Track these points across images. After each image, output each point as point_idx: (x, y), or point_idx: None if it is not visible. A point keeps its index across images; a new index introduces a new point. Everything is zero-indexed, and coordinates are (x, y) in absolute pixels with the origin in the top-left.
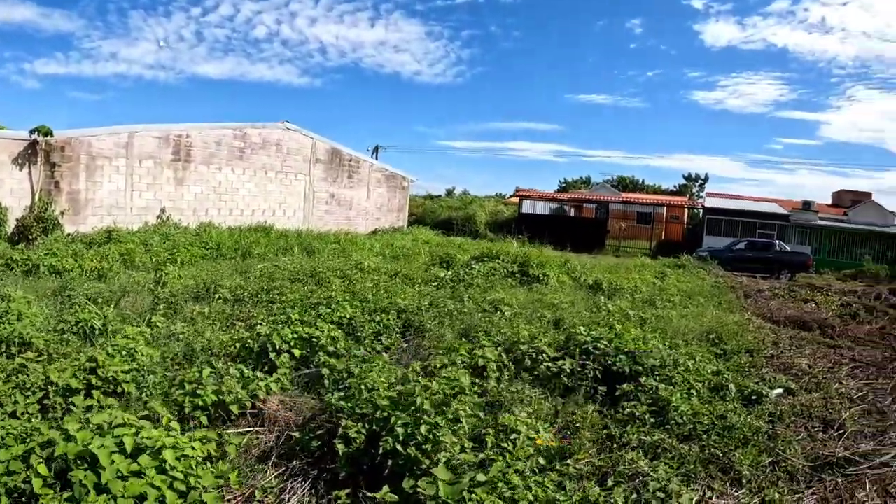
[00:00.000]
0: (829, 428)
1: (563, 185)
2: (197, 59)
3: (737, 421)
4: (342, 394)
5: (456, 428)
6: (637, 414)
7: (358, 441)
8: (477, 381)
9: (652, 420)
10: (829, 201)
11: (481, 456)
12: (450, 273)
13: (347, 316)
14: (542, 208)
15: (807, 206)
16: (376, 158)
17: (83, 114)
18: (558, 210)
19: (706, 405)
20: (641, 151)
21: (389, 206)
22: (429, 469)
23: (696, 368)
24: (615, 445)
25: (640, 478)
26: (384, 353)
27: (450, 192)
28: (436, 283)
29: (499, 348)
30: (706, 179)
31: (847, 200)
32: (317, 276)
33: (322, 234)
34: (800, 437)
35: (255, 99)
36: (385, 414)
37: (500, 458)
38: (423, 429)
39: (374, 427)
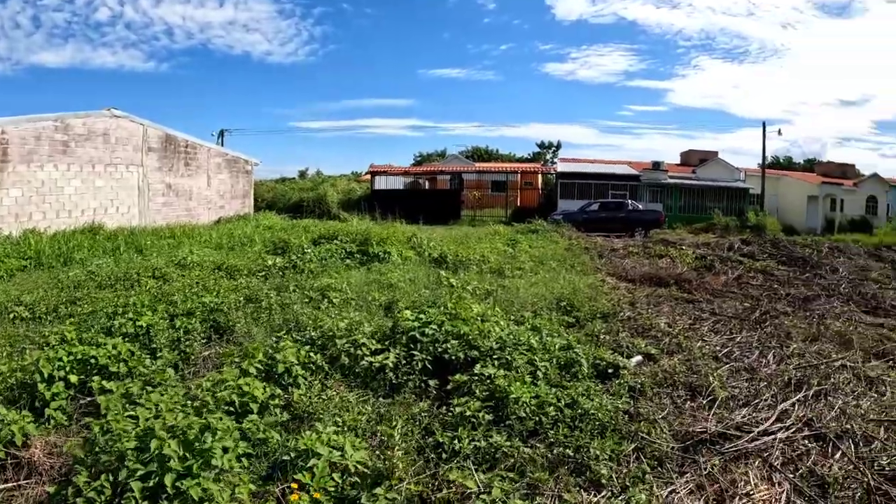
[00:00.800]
0: (696, 395)
1: (419, 158)
2: (34, 48)
3: (590, 405)
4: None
5: (222, 466)
6: (469, 413)
7: (103, 497)
8: (278, 392)
9: (488, 417)
10: (678, 161)
11: None
12: (281, 260)
13: (145, 324)
14: (396, 183)
15: (656, 166)
16: (222, 143)
17: None
18: (413, 184)
19: (554, 390)
20: (496, 122)
21: (233, 193)
22: None
23: (542, 345)
24: (444, 455)
25: (471, 500)
26: (171, 369)
27: (303, 174)
28: (264, 273)
29: (307, 347)
30: (559, 146)
31: (695, 159)
32: (130, 279)
33: (158, 229)
34: (665, 413)
35: (97, 87)
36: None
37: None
38: (167, 480)
39: (121, 478)
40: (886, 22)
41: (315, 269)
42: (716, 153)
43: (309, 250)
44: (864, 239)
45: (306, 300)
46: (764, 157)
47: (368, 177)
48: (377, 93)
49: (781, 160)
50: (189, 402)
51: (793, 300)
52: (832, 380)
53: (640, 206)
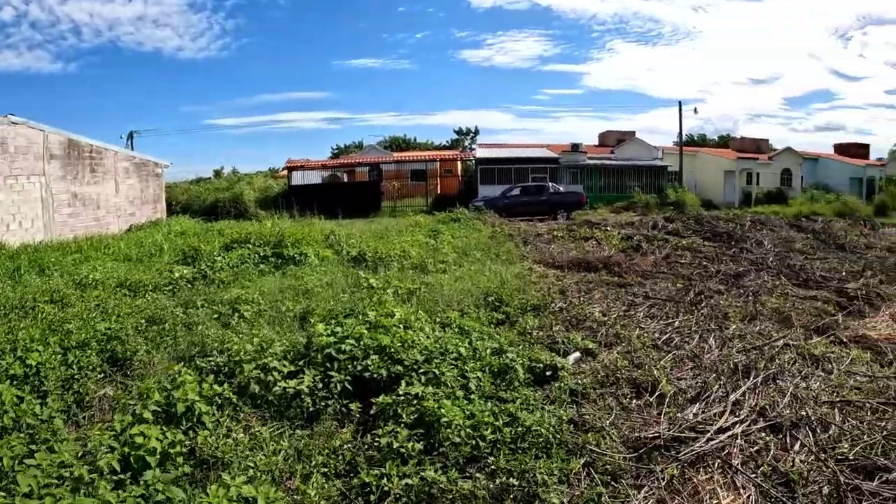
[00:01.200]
0: (642, 392)
1: (336, 151)
2: None
3: (530, 420)
4: None
5: None
6: (396, 444)
7: None
8: (180, 437)
9: (419, 447)
10: (596, 142)
11: None
12: (189, 271)
13: (34, 363)
14: (314, 178)
15: (575, 147)
16: (132, 146)
17: None
18: (331, 177)
19: (489, 404)
20: (414, 111)
21: (143, 198)
22: None
23: (471, 351)
24: (372, 498)
25: None
26: (60, 419)
27: (218, 173)
28: (171, 288)
29: (212, 376)
30: (477, 132)
31: (613, 140)
32: (25, 307)
33: (65, 243)
34: (612, 417)
35: (3, 92)
36: None
37: None
38: None
39: None
40: (794, 3)
41: (226, 279)
42: (633, 133)
43: (219, 258)
44: (782, 210)
45: (215, 316)
46: (681, 135)
47: (285, 173)
48: (293, 86)
49: (696, 137)
50: (72, 467)
51: (724, 277)
52: (778, 361)
53: (561, 189)
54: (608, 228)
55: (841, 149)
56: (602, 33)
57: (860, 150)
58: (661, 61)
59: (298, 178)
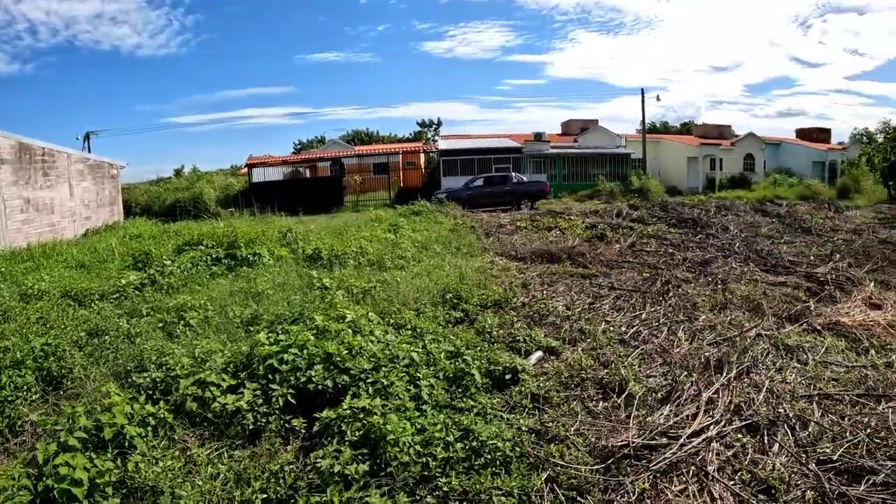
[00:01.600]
0: (609, 394)
1: (298, 146)
2: None
3: (487, 433)
4: None
5: None
6: (338, 467)
7: None
8: (109, 465)
9: (364, 469)
10: (560, 131)
11: None
12: (138, 276)
13: None
14: (276, 174)
15: (538, 137)
16: (89, 147)
17: None
18: (293, 173)
19: (442, 416)
20: (375, 104)
21: (99, 201)
22: None
23: (425, 355)
24: None
25: None
26: None
27: (178, 173)
28: (117, 295)
29: (147, 394)
30: (440, 124)
31: (576, 128)
32: None
33: (17, 251)
34: (577, 424)
35: None
36: None
37: None
38: None
39: None
40: None
41: (176, 284)
42: (596, 121)
43: (169, 262)
44: (746, 195)
45: (160, 325)
46: (644, 123)
47: (246, 170)
48: (254, 82)
49: (659, 125)
50: None
51: (691, 265)
52: (751, 353)
53: (525, 178)
54: (572, 217)
55: (803, 133)
56: (564, 23)
57: (822, 135)
58: (624, 50)
59: (259, 175)
